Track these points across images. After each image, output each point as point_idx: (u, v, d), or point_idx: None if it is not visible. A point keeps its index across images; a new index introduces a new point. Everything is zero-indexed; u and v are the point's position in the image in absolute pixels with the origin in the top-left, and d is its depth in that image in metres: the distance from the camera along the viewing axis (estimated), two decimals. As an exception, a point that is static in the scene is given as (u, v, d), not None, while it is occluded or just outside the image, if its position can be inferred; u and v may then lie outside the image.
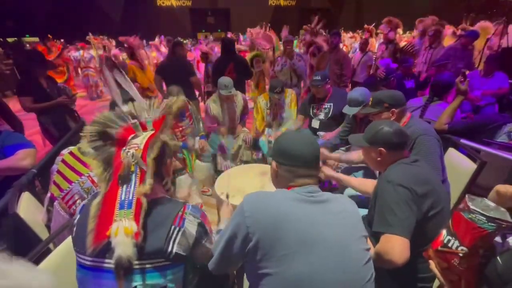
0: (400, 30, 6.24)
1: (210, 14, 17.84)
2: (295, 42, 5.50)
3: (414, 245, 1.05)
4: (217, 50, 6.65)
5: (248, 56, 4.45)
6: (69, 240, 1.11)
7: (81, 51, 7.71)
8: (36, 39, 12.72)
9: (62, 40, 9.75)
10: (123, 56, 6.81)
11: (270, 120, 3.10)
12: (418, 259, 1.14)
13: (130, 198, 0.81)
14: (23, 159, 1.60)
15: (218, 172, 2.89)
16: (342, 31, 11.16)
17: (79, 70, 7.77)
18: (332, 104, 2.66)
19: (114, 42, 9.20)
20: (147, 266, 0.79)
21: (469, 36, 4.10)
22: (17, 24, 13.56)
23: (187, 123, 2.40)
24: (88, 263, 0.81)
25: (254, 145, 3.06)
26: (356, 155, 2.02)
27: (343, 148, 2.52)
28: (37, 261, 1.04)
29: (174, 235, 0.82)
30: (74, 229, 0.86)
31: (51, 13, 13.99)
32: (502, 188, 0.71)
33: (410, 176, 1.15)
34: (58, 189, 1.43)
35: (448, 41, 5.15)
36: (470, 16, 6.95)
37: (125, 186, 0.83)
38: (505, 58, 3.75)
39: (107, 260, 0.78)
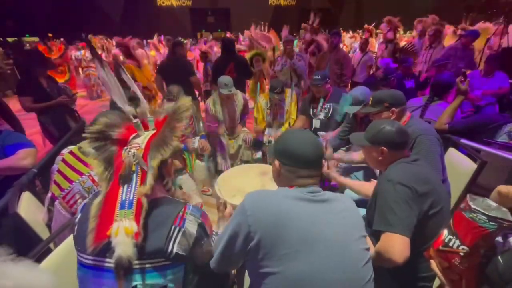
0: (400, 30, 6.24)
1: (210, 14, 17.82)
2: (295, 41, 5.49)
3: (414, 244, 1.05)
4: (216, 49, 6.65)
5: (247, 55, 4.44)
6: (70, 240, 1.12)
7: (82, 51, 7.69)
8: (36, 39, 12.70)
9: (62, 40, 9.74)
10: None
11: (270, 120, 3.10)
12: (418, 259, 1.14)
13: (131, 198, 0.81)
14: (23, 158, 1.61)
15: (218, 172, 2.89)
16: (342, 30, 11.17)
17: (80, 69, 7.76)
18: (332, 104, 2.66)
19: (114, 42, 9.20)
20: (147, 266, 0.79)
21: (469, 35, 4.10)
22: (17, 24, 13.55)
23: (187, 122, 2.40)
24: (88, 262, 0.81)
25: (254, 145, 3.06)
26: (358, 155, 2.02)
27: (343, 148, 2.52)
28: (37, 260, 1.04)
29: (175, 235, 0.82)
30: (75, 228, 0.86)
31: (51, 12, 13.99)
32: (504, 188, 0.71)
33: (411, 175, 1.15)
34: (59, 189, 1.43)
35: (448, 40, 5.16)
36: (470, 16, 6.96)
37: (126, 185, 0.83)
38: (505, 58, 3.75)
39: (107, 260, 0.78)
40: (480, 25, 5.32)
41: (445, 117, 2.17)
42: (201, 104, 4.37)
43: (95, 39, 8.27)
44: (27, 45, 11.27)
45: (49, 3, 13.91)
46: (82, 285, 0.84)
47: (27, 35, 13.71)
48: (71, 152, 1.47)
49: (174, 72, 3.47)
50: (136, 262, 0.77)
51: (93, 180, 1.42)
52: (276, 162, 0.98)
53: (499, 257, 0.72)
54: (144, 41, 8.10)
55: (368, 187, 1.58)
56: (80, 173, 1.42)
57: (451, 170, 1.73)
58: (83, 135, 0.88)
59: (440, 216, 1.14)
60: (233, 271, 1.34)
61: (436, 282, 1.24)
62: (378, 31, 8.48)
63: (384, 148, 1.26)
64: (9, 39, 12.29)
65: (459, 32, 5.54)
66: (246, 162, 2.98)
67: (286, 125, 3.01)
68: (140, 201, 0.80)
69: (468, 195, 0.79)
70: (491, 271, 0.72)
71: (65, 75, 6.76)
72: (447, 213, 1.19)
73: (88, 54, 7.54)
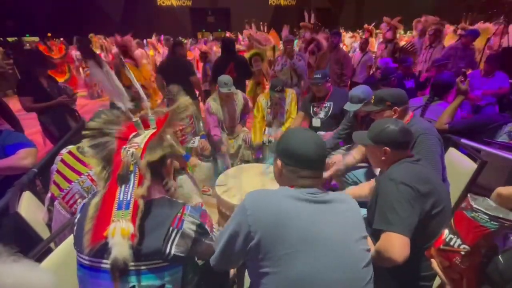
0: (400, 30, 6.24)
1: (210, 14, 17.82)
2: (296, 40, 5.49)
3: (415, 243, 1.05)
4: (215, 49, 6.65)
5: (246, 55, 4.44)
6: (70, 240, 1.12)
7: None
8: (36, 38, 12.70)
9: (62, 39, 9.72)
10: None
11: (271, 119, 3.10)
12: (419, 258, 1.14)
13: (128, 198, 0.80)
14: (24, 158, 1.61)
15: (218, 172, 2.88)
16: (343, 30, 11.16)
17: (81, 69, 7.76)
18: (332, 103, 2.66)
19: (113, 41, 9.18)
20: (142, 267, 0.79)
21: (469, 35, 4.09)
22: (17, 24, 13.54)
23: (187, 122, 2.40)
24: (86, 262, 0.81)
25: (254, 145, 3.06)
26: (351, 158, 2.02)
27: (343, 148, 2.52)
28: (38, 260, 1.04)
29: (172, 236, 0.81)
30: (75, 228, 0.86)
31: (51, 12, 13.99)
32: (504, 190, 0.70)
33: (413, 175, 1.15)
34: (58, 189, 1.43)
35: (448, 40, 5.16)
36: (469, 15, 6.95)
37: (123, 186, 0.82)
38: (506, 57, 3.75)
39: (104, 261, 0.78)
40: (479, 25, 5.32)
41: (445, 117, 2.17)
42: (201, 104, 4.37)
43: (95, 38, 8.26)
44: (27, 45, 11.27)
45: (49, 3, 13.90)
46: (82, 285, 0.84)
47: (27, 35, 13.71)
48: (70, 152, 1.46)
49: (174, 72, 3.47)
50: (132, 264, 0.77)
51: (92, 180, 1.42)
52: (278, 162, 0.98)
53: (500, 257, 0.72)
54: (144, 41, 8.10)
55: (364, 188, 1.58)
56: (79, 173, 1.42)
57: (451, 170, 1.73)
58: (83, 132, 0.87)
59: (442, 215, 1.14)
60: (233, 271, 1.34)
61: (436, 281, 1.24)
62: (377, 31, 8.47)
63: (387, 147, 1.25)
64: (9, 39, 12.29)
65: (459, 32, 5.55)
66: (246, 162, 2.98)
67: (287, 124, 3.01)
68: (137, 202, 0.80)
69: (469, 195, 0.79)
70: (492, 271, 0.72)
71: (65, 74, 6.76)
72: (448, 213, 1.19)
73: None
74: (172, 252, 0.80)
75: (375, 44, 8.03)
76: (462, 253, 0.76)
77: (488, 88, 3.24)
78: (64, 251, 1.09)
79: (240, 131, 3.02)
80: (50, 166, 1.50)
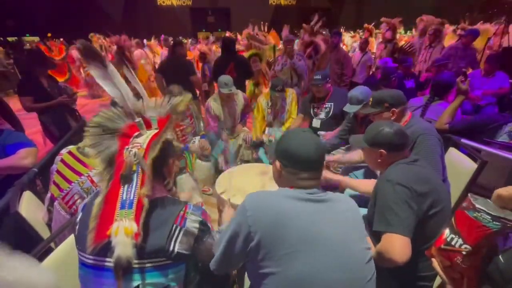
0: (401, 30, 6.23)
1: (210, 14, 17.82)
2: (296, 41, 5.48)
3: (414, 244, 1.05)
4: (214, 49, 6.65)
5: (245, 55, 4.44)
6: (70, 239, 1.12)
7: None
8: (36, 38, 12.70)
9: (62, 39, 9.71)
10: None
11: (271, 119, 3.10)
12: (419, 258, 1.14)
13: (131, 198, 0.80)
14: (24, 158, 1.61)
15: (218, 171, 2.89)
16: (344, 30, 11.16)
17: (81, 69, 7.77)
18: (332, 103, 2.66)
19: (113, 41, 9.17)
20: (147, 265, 0.79)
21: (469, 34, 4.09)
22: (17, 23, 13.55)
23: (188, 122, 2.40)
24: (89, 261, 0.81)
25: (254, 145, 3.06)
26: (357, 155, 2.02)
27: (343, 148, 2.52)
28: (38, 260, 1.04)
29: (176, 234, 0.82)
30: (77, 227, 0.86)
31: (51, 12, 13.99)
32: (504, 191, 0.70)
33: (410, 175, 1.15)
34: (58, 189, 1.43)
35: (448, 39, 5.15)
36: (467, 15, 6.95)
37: (126, 185, 0.83)
38: (506, 57, 3.75)
39: (108, 259, 0.78)
40: (479, 26, 5.32)
41: (445, 117, 2.17)
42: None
43: (95, 38, 8.26)
44: (27, 44, 11.27)
45: (49, 2, 13.91)
46: (83, 285, 0.85)
47: (27, 35, 13.71)
48: (69, 153, 1.46)
49: (174, 71, 3.48)
50: (136, 261, 0.77)
51: (92, 181, 1.41)
52: (277, 163, 0.98)
53: (500, 256, 0.72)
54: (144, 41, 8.10)
55: (366, 184, 1.58)
56: (79, 174, 1.42)
57: (452, 169, 1.73)
58: (85, 129, 0.88)
59: (441, 215, 1.14)
60: (234, 271, 1.34)
61: (436, 281, 1.24)
62: (377, 31, 8.46)
63: (383, 150, 1.26)
64: (9, 39, 12.30)
65: (458, 32, 5.54)
66: (247, 161, 2.98)
67: (287, 124, 3.01)
68: (141, 201, 0.80)
69: (469, 195, 0.79)
70: (493, 270, 0.72)
71: (66, 74, 6.76)
72: (448, 212, 1.19)
73: None
74: (176, 249, 0.81)
75: (374, 44, 8.03)
76: (464, 252, 0.76)
77: (488, 88, 3.24)
78: (64, 251, 1.09)
79: (240, 131, 3.02)
80: (51, 166, 1.50)
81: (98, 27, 8.93)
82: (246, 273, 1.05)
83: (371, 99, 1.78)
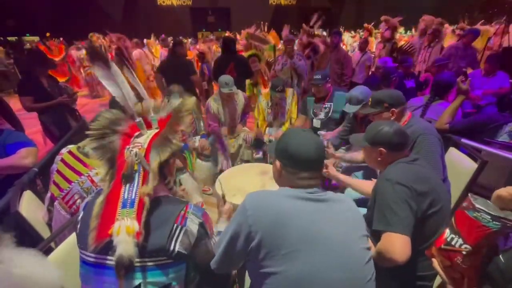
0: (401, 30, 6.23)
1: (210, 14, 17.82)
2: (296, 41, 5.49)
3: (414, 243, 1.05)
4: (214, 49, 6.65)
5: (244, 55, 4.44)
6: (70, 239, 1.12)
7: (84, 50, 7.69)
8: (36, 38, 12.70)
9: (61, 39, 9.71)
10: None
11: (271, 119, 3.10)
12: (418, 257, 1.14)
13: (133, 197, 0.81)
14: (24, 157, 1.61)
15: (218, 171, 2.89)
16: (345, 30, 11.15)
17: (81, 69, 7.77)
18: (332, 103, 2.66)
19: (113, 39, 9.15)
20: (149, 264, 0.80)
21: (470, 33, 4.09)
22: (17, 23, 13.55)
23: (189, 122, 2.40)
24: (91, 259, 0.81)
25: (255, 144, 3.06)
26: (361, 155, 2.02)
27: (343, 148, 2.52)
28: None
29: (177, 233, 0.82)
30: (78, 226, 0.87)
31: (51, 12, 13.99)
32: (504, 192, 0.70)
33: (410, 175, 1.16)
34: (58, 189, 1.43)
35: (447, 40, 5.15)
36: (467, 15, 6.94)
37: (128, 184, 0.83)
38: (506, 57, 3.75)
39: (109, 257, 0.79)
40: (479, 26, 5.31)
41: (445, 116, 2.17)
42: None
43: (94, 37, 8.27)
44: (27, 44, 11.26)
45: (49, 2, 13.91)
46: (85, 283, 0.85)
47: (28, 35, 13.71)
48: (70, 152, 1.46)
49: (175, 71, 3.48)
50: (137, 260, 0.77)
51: (92, 181, 1.41)
52: (277, 163, 0.98)
53: (501, 256, 0.73)
54: (145, 41, 8.10)
55: (368, 185, 1.58)
56: (79, 174, 1.42)
57: (452, 169, 1.73)
58: (87, 132, 0.88)
59: (440, 215, 1.15)
60: (234, 271, 1.34)
61: (436, 281, 1.24)
62: (376, 31, 8.46)
63: (383, 149, 1.27)
64: (10, 39, 12.30)
65: (457, 32, 5.54)
66: (247, 161, 2.98)
67: (287, 124, 3.01)
68: (142, 200, 0.81)
69: (469, 195, 0.79)
70: (493, 270, 0.72)
71: (66, 74, 6.77)
72: (447, 212, 1.19)
73: None
74: (176, 249, 0.81)
75: (374, 44, 8.02)
76: (464, 252, 0.76)
77: (489, 88, 3.24)
78: (65, 251, 1.09)
79: (240, 131, 3.02)
80: (51, 165, 1.50)
81: (98, 27, 8.93)
82: (246, 272, 1.05)
83: (370, 99, 1.79)
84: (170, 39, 7.25)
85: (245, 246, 0.83)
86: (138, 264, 0.78)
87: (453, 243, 0.79)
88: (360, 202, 1.58)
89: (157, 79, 3.80)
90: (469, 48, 4.05)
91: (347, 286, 0.82)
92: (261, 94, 3.28)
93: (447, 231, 0.83)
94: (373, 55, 5.59)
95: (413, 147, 1.57)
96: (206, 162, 2.92)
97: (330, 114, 2.67)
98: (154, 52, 7.27)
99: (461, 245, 0.77)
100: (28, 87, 2.75)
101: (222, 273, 0.94)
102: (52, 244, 1.24)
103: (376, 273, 0.89)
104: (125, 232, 0.75)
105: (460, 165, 1.84)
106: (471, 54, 4.07)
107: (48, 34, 10.52)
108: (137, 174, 0.84)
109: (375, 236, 1.12)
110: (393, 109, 1.68)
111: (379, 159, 1.30)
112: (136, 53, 5.91)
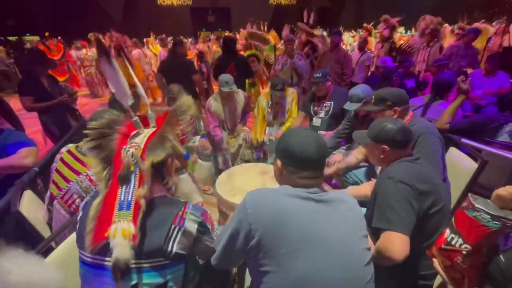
0: (401, 30, 6.22)
1: (210, 13, 17.81)
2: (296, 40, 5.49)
3: (414, 242, 1.05)
4: (213, 48, 6.65)
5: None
6: (70, 239, 1.12)
7: (84, 50, 7.69)
8: (37, 37, 12.68)
9: (60, 38, 9.68)
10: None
11: (271, 119, 3.10)
12: (418, 257, 1.14)
13: (129, 199, 0.80)
14: (25, 157, 1.61)
15: (219, 171, 2.89)
16: (345, 30, 11.13)
17: (82, 68, 7.77)
18: (332, 102, 2.66)
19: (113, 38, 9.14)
20: (145, 265, 0.79)
21: (470, 33, 4.08)
22: (17, 23, 13.53)
23: (188, 121, 2.40)
24: (89, 260, 0.81)
25: (255, 146, 3.06)
26: (354, 158, 2.02)
27: (343, 147, 2.52)
28: (39, 259, 1.05)
29: (174, 234, 0.81)
30: (77, 226, 0.86)
31: (51, 12, 13.98)
32: (504, 191, 0.70)
33: (412, 173, 1.15)
34: (57, 188, 1.43)
35: (448, 39, 5.15)
36: (469, 15, 6.93)
37: (124, 186, 0.82)
38: (506, 57, 3.74)
39: (107, 258, 0.78)
40: (478, 25, 5.31)
41: (446, 116, 2.17)
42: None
43: (94, 37, 8.27)
44: (28, 44, 11.25)
45: (49, 2, 13.90)
46: (84, 283, 0.85)
47: (28, 34, 13.70)
48: (69, 151, 1.46)
49: (175, 71, 3.48)
50: (134, 261, 0.77)
51: (90, 180, 1.41)
52: (278, 162, 0.97)
53: (501, 256, 0.72)
54: (145, 40, 8.09)
55: (365, 187, 1.58)
56: (77, 173, 1.42)
57: (452, 169, 1.73)
58: (85, 131, 0.87)
59: (441, 214, 1.14)
60: (234, 270, 1.34)
61: (437, 280, 1.24)
62: (376, 30, 8.45)
63: (386, 146, 1.26)
64: (10, 38, 12.28)
65: (456, 31, 5.53)
66: (247, 161, 2.98)
67: (287, 124, 3.01)
68: (139, 203, 0.80)
69: (469, 194, 0.79)
70: (493, 270, 0.72)
71: (66, 74, 6.77)
72: (448, 212, 1.19)
73: (90, 53, 7.55)
74: (174, 250, 0.80)
75: (373, 44, 8.02)
76: (464, 252, 0.76)
77: (489, 88, 3.24)
78: (65, 251, 1.09)
79: (240, 130, 3.02)
80: (51, 165, 1.51)
81: (99, 26, 8.93)
82: (247, 271, 1.05)
83: (373, 97, 1.78)
84: (170, 39, 7.24)
85: (245, 244, 0.83)
86: (134, 266, 0.78)
87: (453, 243, 0.79)
88: (360, 202, 1.58)
89: (157, 79, 3.80)
90: (470, 48, 4.05)
91: (347, 286, 0.82)
92: (258, 93, 3.26)
93: (447, 231, 0.83)
94: (372, 55, 5.59)
95: (414, 147, 1.57)
96: (206, 162, 2.92)
97: (330, 113, 2.67)
98: (153, 50, 7.28)
99: (461, 244, 0.77)
100: (28, 87, 2.75)
101: (222, 269, 0.93)
102: (53, 244, 1.24)
103: (376, 272, 0.89)
104: (121, 235, 0.74)
105: (460, 165, 1.83)
106: (472, 53, 4.07)
107: (47, 34, 10.51)
108: (133, 175, 0.83)
109: (375, 235, 1.12)
110: (396, 107, 1.68)
111: (381, 156, 1.29)
112: (135, 53, 5.91)
